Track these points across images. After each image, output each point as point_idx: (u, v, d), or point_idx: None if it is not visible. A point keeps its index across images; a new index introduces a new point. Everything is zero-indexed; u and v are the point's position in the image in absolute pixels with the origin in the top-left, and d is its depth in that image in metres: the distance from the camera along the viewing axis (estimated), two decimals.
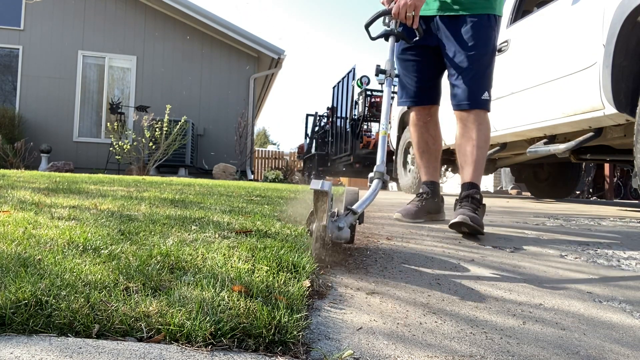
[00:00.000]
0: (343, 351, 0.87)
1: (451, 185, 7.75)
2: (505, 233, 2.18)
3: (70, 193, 2.76)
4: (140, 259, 1.19)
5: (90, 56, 10.81)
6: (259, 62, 11.74)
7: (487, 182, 11.70)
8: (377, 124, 10.64)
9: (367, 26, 2.11)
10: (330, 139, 12.19)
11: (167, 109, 9.23)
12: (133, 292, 0.98)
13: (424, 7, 2.20)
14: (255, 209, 2.43)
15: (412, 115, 2.48)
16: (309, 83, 72.51)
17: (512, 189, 10.58)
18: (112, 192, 3.00)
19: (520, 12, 4.08)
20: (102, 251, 1.27)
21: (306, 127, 14.22)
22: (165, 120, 9.13)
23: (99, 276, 1.04)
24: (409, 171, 5.70)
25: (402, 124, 5.91)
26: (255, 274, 1.14)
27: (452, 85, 2.22)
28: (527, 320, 1.12)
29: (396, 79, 2.24)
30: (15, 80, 10.58)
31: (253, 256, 1.30)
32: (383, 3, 2.22)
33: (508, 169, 9.28)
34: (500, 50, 3.91)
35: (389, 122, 3.53)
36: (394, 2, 2.11)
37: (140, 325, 0.86)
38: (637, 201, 7.98)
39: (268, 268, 1.20)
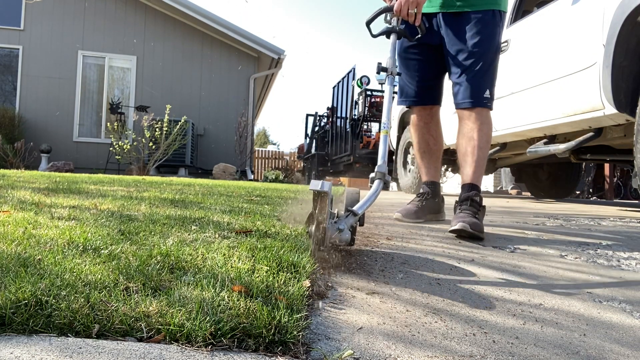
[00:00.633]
0: (343, 351, 0.87)
1: (451, 185, 7.74)
2: (505, 233, 2.18)
3: (70, 193, 2.76)
4: (140, 259, 1.19)
5: (90, 56, 10.81)
6: (259, 62, 11.75)
7: (487, 182, 11.70)
8: (377, 124, 10.64)
9: (368, 23, 2.06)
10: (330, 139, 12.20)
11: (167, 109, 9.22)
12: (133, 292, 0.98)
13: (426, 4, 2.15)
14: (255, 209, 2.43)
15: (413, 115, 2.45)
16: (309, 83, 72.52)
17: (512, 189, 10.58)
18: (112, 192, 3.00)
19: (520, 12, 4.08)
20: (102, 251, 1.27)
21: (306, 127, 14.24)
22: (165, 120, 9.13)
23: (99, 276, 1.04)
24: (409, 171, 5.70)
25: (403, 124, 5.91)
26: (255, 274, 1.14)
27: (454, 84, 2.18)
28: (527, 320, 1.12)
29: (397, 77, 2.21)
30: (15, 80, 10.58)
31: (253, 256, 1.30)
32: (385, 0, 2.19)
33: (508, 169, 9.29)
34: (500, 50, 3.91)
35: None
36: None
37: (140, 325, 0.86)
38: (637, 201, 7.98)
39: (268, 268, 1.20)
